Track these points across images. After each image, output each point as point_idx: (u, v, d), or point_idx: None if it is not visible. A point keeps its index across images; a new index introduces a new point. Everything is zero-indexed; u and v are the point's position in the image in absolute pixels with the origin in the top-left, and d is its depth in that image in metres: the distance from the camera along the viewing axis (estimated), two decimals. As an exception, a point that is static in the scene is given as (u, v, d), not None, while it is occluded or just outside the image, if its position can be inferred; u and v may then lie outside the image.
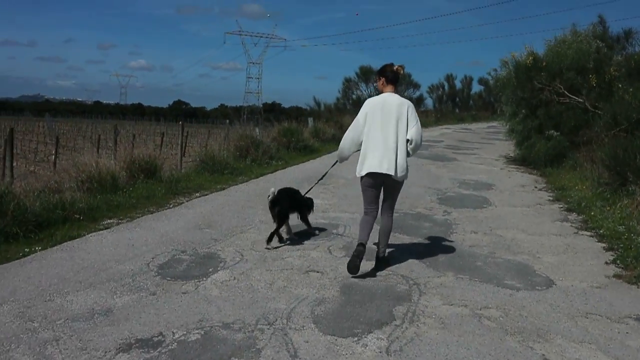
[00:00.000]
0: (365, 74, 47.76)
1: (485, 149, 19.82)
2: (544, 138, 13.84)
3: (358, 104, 45.75)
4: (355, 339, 3.92)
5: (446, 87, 57.72)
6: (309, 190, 7.00)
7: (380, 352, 3.74)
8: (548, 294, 5.02)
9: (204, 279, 5.03)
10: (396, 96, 5.40)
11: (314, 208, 6.97)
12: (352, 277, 5.21)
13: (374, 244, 5.72)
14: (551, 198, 9.99)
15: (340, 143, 5.71)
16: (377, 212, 5.53)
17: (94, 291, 4.61)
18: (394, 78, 5.48)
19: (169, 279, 5.00)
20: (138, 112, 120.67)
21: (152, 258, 5.55)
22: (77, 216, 6.78)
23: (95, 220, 6.94)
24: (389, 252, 5.88)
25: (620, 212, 7.91)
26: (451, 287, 5.10)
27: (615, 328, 4.32)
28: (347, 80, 47.04)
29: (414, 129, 5.30)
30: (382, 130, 5.27)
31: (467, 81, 58.98)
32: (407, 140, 5.30)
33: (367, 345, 3.82)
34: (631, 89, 12.08)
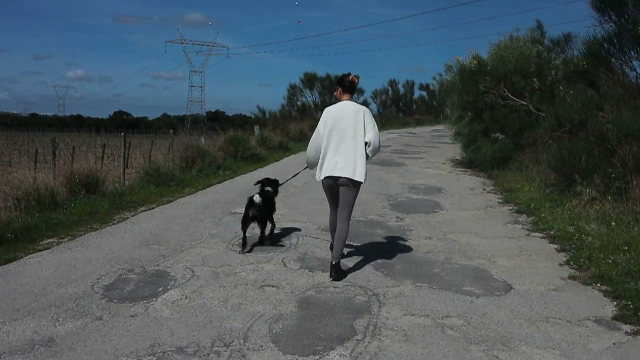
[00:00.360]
0: (310, 81, 47.73)
1: (431, 153, 20.00)
2: (489, 141, 14.02)
3: (303, 110, 45.82)
4: (317, 357, 3.74)
5: (390, 92, 58.30)
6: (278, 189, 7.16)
7: (343, 370, 3.58)
8: (507, 299, 4.97)
9: (154, 299, 4.76)
10: (353, 103, 5.69)
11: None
12: (308, 290, 5.05)
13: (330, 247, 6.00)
14: (500, 200, 10.08)
15: (306, 152, 5.94)
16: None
17: (33, 319, 4.27)
18: (351, 87, 5.78)
19: (115, 301, 4.70)
20: (77, 123, 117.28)
21: (97, 279, 5.23)
22: (11, 235, 6.35)
23: (34, 241, 6.52)
24: (345, 261, 5.77)
25: (569, 212, 8.01)
26: (411, 296, 4.99)
27: (576, 331, 4.28)
28: (292, 87, 46.87)
29: (371, 133, 5.56)
30: (340, 136, 5.51)
31: (409, 86, 59.71)
32: (366, 143, 5.55)
33: (329, 364, 3.66)
34: (572, 92, 12.35)
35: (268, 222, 6.64)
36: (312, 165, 5.90)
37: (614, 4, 10.82)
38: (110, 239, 6.76)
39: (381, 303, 4.78)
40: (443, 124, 34.30)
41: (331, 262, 5.49)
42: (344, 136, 5.50)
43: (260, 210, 6.38)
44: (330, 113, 5.65)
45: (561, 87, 13.21)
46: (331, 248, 5.87)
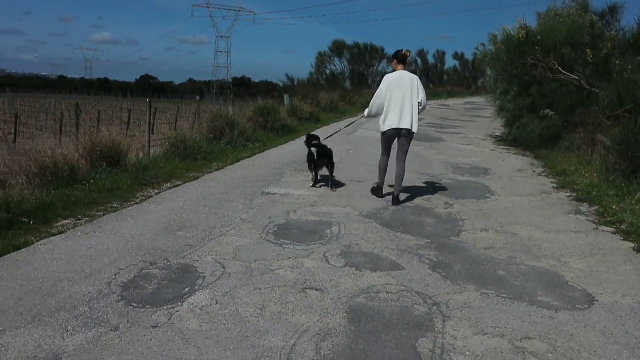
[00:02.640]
0: (339, 49, 46.61)
1: (469, 128, 19.04)
2: (537, 117, 13.05)
3: (332, 79, 44.84)
4: (378, 393, 3.04)
5: (419, 62, 56.81)
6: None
7: (413, 415, 2.87)
8: (593, 315, 4.20)
9: (179, 303, 4.08)
10: (407, 72, 7.52)
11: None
12: (358, 296, 4.33)
13: (390, 186, 7.78)
14: (555, 185, 9.21)
15: (369, 108, 7.70)
16: (390, 155, 7.70)
17: (38, 328, 3.62)
18: (404, 60, 7.64)
19: (135, 305, 4.03)
20: (104, 87, 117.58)
21: (115, 275, 4.57)
22: (25, 220, 5.72)
23: (48, 223, 5.88)
24: (396, 258, 5.07)
25: (640, 203, 7.15)
26: (478, 307, 4.24)
27: (687, 363, 3.51)
28: (321, 55, 45.78)
29: (422, 95, 7.42)
30: (401, 97, 7.30)
31: (440, 56, 58.17)
32: (419, 103, 7.37)
33: (394, 404, 2.95)
34: (630, 67, 11.35)
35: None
36: (371, 116, 7.82)
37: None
38: (132, 222, 6.10)
39: (445, 316, 4.05)
40: (477, 96, 33.15)
41: (394, 193, 7.49)
42: (404, 97, 7.28)
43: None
44: (391, 79, 7.43)
45: (617, 62, 12.20)
46: (375, 190, 7.88)
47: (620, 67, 11.80)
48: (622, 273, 5.13)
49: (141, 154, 9.90)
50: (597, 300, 4.48)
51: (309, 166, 8.45)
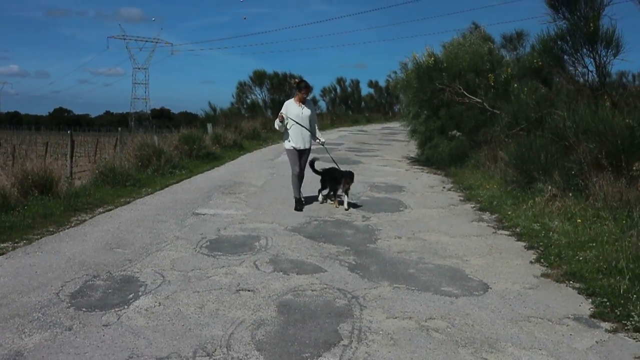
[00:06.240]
0: (260, 78, 47.27)
1: (385, 151, 20.04)
2: (446, 138, 14.13)
3: (253, 108, 45.40)
4: (306, 365, 3.61)
5: (338, 90, 58.35)
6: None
7: (335, 378, 3.46)
8: (487, 298, 4.96)
9: (126, 306, 4.53)
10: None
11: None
12: (286, 294, 4.90)
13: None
14: (462, 198, 10.14)
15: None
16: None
17: (-3, 331, 3.99)
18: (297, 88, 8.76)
19: (84, 309, 4.45)
20: (14, 121, 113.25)
21: (62, 286, 4.95)
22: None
23: (-14, 246, 6.16)
24: (318, 263, 5.73)
25: (532, 209, 8.10)
26: (390, 298, 4.91)
27: (558, 330, 4.29)
28: (242, 85, 46.31)
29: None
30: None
31: (355, 84, 59.90)
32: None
33: (320, 372, 3.53)
34: (525, 89, 12.56)
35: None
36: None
37: (567, 1, 11.00)
38: (70, 242, 6.45)
39: (362, 306, 4.69)
40: (394, 122, 34.53)
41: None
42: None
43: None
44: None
45: (515, 85, 13.44)
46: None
47: (517, 90, 13.04)
48: (514, 266, 5.96)
49: (66, 184, 10.11)
50: (490, 288, 5.25)
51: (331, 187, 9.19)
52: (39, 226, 7.15)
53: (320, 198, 9.34)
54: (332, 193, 9.20)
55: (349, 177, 8.93)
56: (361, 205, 9.10)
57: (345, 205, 8.83)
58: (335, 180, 9.03)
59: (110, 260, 5.78)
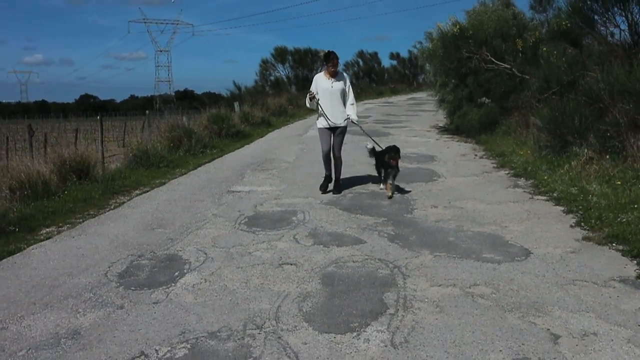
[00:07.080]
0: (281, 55, 47.14)
1: (413, 121, 19.91)
2: (475, 106, 13.98)
3: (277, 85, 45.38)
4: (355, 334, 3.66)
5: (360, 62, 57.92)
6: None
7: (385, 345, 3.50)
8: (529, 264, 4.94)
9: (173, 284, 4.62)
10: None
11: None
12: (328, 266, 4.95)
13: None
14: (495, 165, 10.05)
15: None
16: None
17: (52, 312, 4.11)
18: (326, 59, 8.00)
19: (133, 288, 4.55)
20: (43, 109, 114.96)
21: (109, 267, 5.07)
22: (12, 228, 6.13)
23: (33, 231, 6.31)
24: (358, 235, 5.81)
25: (569, 174, 8.00)
26: (432, 266, 4.92)
27: (605, 293, 4.26)
28: (264, 62, 46.26)
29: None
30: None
31: (374, 57, 59.33)
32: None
33: (369, 340, 3.57)
34: (555, 52, 12.33)
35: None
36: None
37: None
38: (112, 224, 6.57)
39: (405, 275, 4.71)
40: (419, 92, 34.22)
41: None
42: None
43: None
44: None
45: (544, 49, 13.19)
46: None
47: (547, 54, 12.80)
48: (554, 231, 5.91)
49: (102, 169, 10.28)
50: (532, 253, 5.22)
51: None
52: (80, 210, 7.30)
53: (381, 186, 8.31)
54: (384, 177, 8.10)
55: (393, 152, 7.84)
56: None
57: (389, 193, 7.74)
58: (382, 162, 8.09)
59: (153, 240, 5.89)
